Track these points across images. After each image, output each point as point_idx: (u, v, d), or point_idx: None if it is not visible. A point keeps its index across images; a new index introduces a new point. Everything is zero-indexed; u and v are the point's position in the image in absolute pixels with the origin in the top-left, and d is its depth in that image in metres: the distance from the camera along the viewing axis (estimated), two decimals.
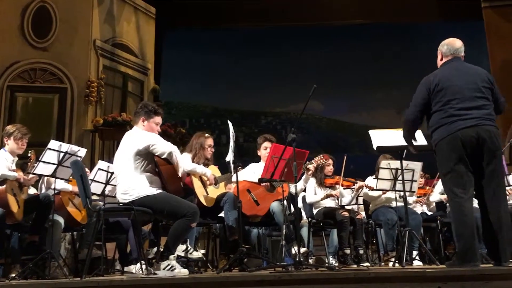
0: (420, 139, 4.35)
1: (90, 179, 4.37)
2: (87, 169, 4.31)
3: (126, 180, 3.77)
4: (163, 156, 3.80)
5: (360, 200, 6.00)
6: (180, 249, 4.07)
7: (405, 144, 4.38)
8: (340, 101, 11.61)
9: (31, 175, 4.24)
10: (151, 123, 3.97)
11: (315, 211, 5.54)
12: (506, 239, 3.37)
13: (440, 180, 5.79)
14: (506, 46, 10.12)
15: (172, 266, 3.65)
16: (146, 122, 3.96)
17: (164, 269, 3.63)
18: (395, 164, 4.90)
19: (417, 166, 5.04)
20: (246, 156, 5.54)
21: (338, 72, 11.26)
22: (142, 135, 3.86)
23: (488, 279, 2.70)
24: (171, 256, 3.71)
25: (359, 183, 5.50)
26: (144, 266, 3.70)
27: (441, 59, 3.79)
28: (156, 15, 9.31)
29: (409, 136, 3.86)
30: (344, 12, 10.62)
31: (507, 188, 4.54)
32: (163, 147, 3.80)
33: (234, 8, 10.15)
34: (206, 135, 4.89)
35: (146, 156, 3.81)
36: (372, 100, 11.32)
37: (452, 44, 3.75)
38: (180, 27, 10.70)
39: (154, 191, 3.74)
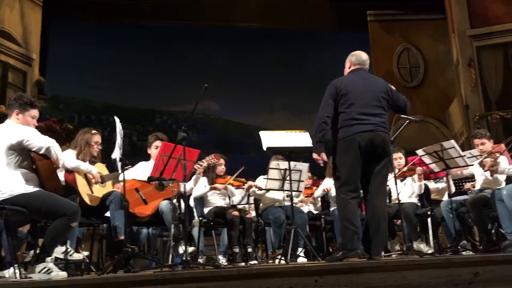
0: (306, 140, 4.57)
1: None
2: None
3: None
4: (41, 152, 3.54)
5: (251, 199, 6.13)
6: (59, 251, 3.83)
7: (293, 145, 4.60)
8: (237, 103, 11.78)
9: None
10: (26, 117, 3.67)
11: (206, 211, 5.54)
12: (381, 236, 3.78)
13: (325, 180, 6.14)
14: (389, 58, 11.01)
15: (48, 269, 3.41)
16: (20, 115, 3.66)
17: (39, 272, 3.39)
18: (284, 164, 5.07)
19: (304, 167, 5.27)
20: (140, 155, 5.37)
21: (236, 74, 11.43)
22: (16, 129, 3.56)
23: (360, 272, 2.88)
24: (48, 258, 3.47)
25: (249, 183, 5.61)
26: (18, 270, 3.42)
27: (349, 67, 4.15)
28: (43, 3, 8.70)
29: (319, 138, 3.94)
30: (244, 15, 10.80)
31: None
32: (40, 141, 3.54)
33: (130, 4, 9.85)
34: (93, 131, 4.67)
35: (21, 152, 3.52)
36: (268, 103, 11.64)
37: (360, 56, 4.14)
38: (72, 17, 10.11)
39: (30, 188, 3.48)
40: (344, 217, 3.77)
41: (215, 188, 5.51)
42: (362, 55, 4.16)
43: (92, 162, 4.55)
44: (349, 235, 3.72)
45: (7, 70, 8.02)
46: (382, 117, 3.91)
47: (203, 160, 5.14)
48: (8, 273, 3.83)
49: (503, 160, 4.90)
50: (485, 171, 4.84)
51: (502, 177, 4.94)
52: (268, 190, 5.44)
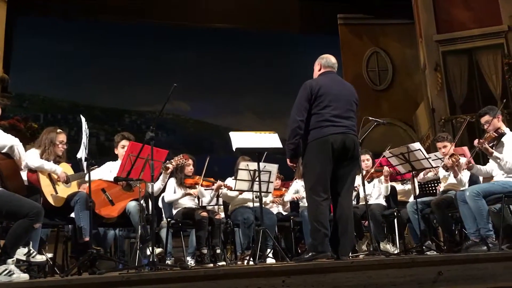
0: (275, 142, 4.58)
1: None
2: None
3: None
4: (3, 151, 3.44)
5: (221, 200, 6.10)
6: (21, 253, 3.71)
7: (263, 146, 4.60)
8: (206, 103, 11.72)
9: None
10: None
11: (174, 212, 5.48)
12: (349, 237, 3.84)
13: (294, 182, 6.17)
14: (357, 61, 11.18)
15: (9, 271, 3.30)
16: None
17: (0, 274, 3.28)
18: (253, 165, 5.07)
19: (273, 168, 5.27)
20: (108, 155, 5.28)
21: (206, 74, 11.37)
22: None
23: (326, 272, 2.91)
24: (9, 260, 3.36)
25: (218, 183, 5.58)
26: None
27: (319, 70, 4.18)
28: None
29: (294, 145, 3.90)
30: (214, 16, 10.79)
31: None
32: (2, 140, 3.44)
33: (97, 1, 9.69)
34: (58, 130, 4.55)
35: None
36: (238, 104, 11.62)
37: (330, 59, 4.18)
38: (37, 13, 9.86)
39: None
40: (315, 219, 3.77)
41: (189, 194, 5.46)
42: (331, 58, 4.19)
43: (57, 162, 4.44)
44: (319, 237, 3.72)
45: None
46: (352, 120, 3.96)
47: (172, 160, 5.09)
48: None
49: (464, 162, 5.03)
50: (447, 171, 4.96)
51: (465, 179, 5.07)
52: (239, 191, 5.42)
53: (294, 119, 3.88)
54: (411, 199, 5.59)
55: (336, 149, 3.79)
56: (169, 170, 5.01)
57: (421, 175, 5.45)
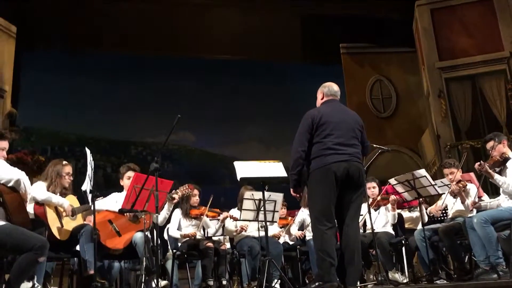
0: (280, 171, 4.57)
1: None
2: None
3: None
4: (10, 184, 3.46)
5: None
6: (25, 287, 3.69)
7: (267, 175, 4.59)
8: (212, 134, 11.76)
9: None
10: None
11: (179, 243, 5.45)
12: (356, 266, 3.75)
13: (300, 211, 6.13)
14: (361, 89, 11.27)
15: None
16: None
17: None
18: (258, 195, 5.05)
19: (278, 197, 5.25)
20: (114, 187, 5.30)
21: (211, 105, 11.46)
22: None
23: None
24: None
25: (224, 214, 5.56)
26: None
27: (322, 98, 4.18)
28: (16, 35, 8.67)
29: (296, 175, 3.90)
30: (217, 47, 10.98)
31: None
32: (9, 174, 3.46)
33: (99, 34, 9.92)
34: (64, 162, 4.59)
35: None
36: (242, 133, 11.66)
37: (332, 87, 4.18)
38: (42, 48, 10.07)
39: None
40: (320, 248, 3.72)
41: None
42: (334, 86, 4.20)
43: (63, 194, 4.46)
44: (325, 267, 3.66)
45: None
46: (356, 147, 3.94)
47: (177, 190, 5.10)
48: None
49: (472, 188, 5.00)
50: (455, 197, 4.92)
51: None
52: (240, 227, 5.41)
53: (296, 149, 3.89)
54: (419, 226, 5.52)
55: (340, 177, 3.76)
56: (175, 200, 5.01)
57: (432, 209, 5.38)
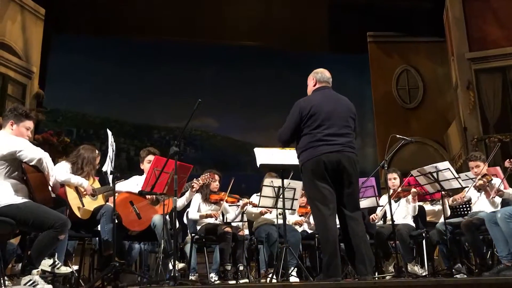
0: (293, 158, 4.51)
1: None
2: None
3: None
4: (32, 163, 3.53)
5: (245, 217, 6.07)
6: (46, 264, 3.78)
7: (287, 163, 4.56)
8: (234, 120, 11.76)
9: None
10: (20, 128, 3.67)
11: (198, 227, 5.49)
12: (366, 256, 3.62)
13: None
14: (387, 78, 11.06)
15: (34, 282, 3.37)
16: (15, 126, 3.66)
17: (25, 284, 3.35)
18: (278, 182, 5.03)
19: (298, 185, 5.21)
20: (137, 170, 5.37)
21: (235, 91, 11.45)
22: (9, 140, 3.56)
23: None
24: (34, 271, 3.43)
25: (244, 200, 5.56)
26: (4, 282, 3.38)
27: (314, 85, 4.06)
28: (45, 17, 8.80)
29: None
30: (242, 34, 10.92)
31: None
32: (32, 153, 3.53)
33: (128, 18, 9.97)
34: (97, 152, 4.70)
35: (12, 162, 3.51)
36: (266, 121, 11.60)
37: (325, 73, 4.06)
38: (69, 31, 10.19)
39: (19, 200, 3.45)
40: (323, 239, 3.64)
41: (210, 216, 5.47)
42: (326, 73, 4.06)
43: (85, 176, 4.53)
44: (328, 260, 3.56)
45: (7, 82, 8.06)
46: (349, 137, 3.81)
47: (199, 179, 5.14)
48: None
49: (497, 183, 4.87)
50: (479, 191, 4.81)
51: (498, 200, 4.90)
52: (262, 209, 5.40)
53: (279, 138, 3.99)
54: (441, 220, 5.43)
55: (330, 168, 3.67)
56: (195, 188, 5.05)
57: (455, 199, 5.26)
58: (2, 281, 3.32)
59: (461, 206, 5.70)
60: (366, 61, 11.10)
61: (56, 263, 3.86)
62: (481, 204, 5.07)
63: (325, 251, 3.61)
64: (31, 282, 3.36)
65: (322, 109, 3.79)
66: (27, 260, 3.47)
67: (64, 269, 3.93)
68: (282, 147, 3.99)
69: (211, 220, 5.48)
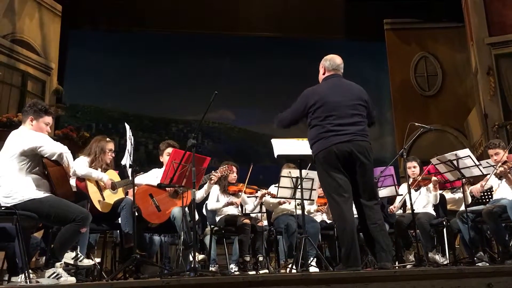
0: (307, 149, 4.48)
1: None
2: None
3: (9, 182, 3.50)
4: (53, 158, 3.59)
5: (264, 208, 6.09)
6: (68, 257, 3.85)
7: (305, 153, 4.52)
8: (252, 111, 11.75)
9: None
10: (40, 123, 3.73)
11: (217, 219, 5.53)
12: (383, 245, 3.59)
13: None
14: (404, 66, 10.91)
15: (58, 274, 3.45)
16: (34, 122, 3.72)
17: (48, 277, 3.42)
18: (296, 172, 5.02)
19: (316, 175, 5.15)
20: (155, 163, 5.43)
21: (251, 82, 11.42)
22: (29, 135, 3.62)
23: (368, 281, 2.83)
24: (58, 264, 3.51)
25: (262, 191, 5.58)
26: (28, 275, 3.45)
27: (324, 73, 3.99)
28: (62, 13, 8.90)
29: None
30: (257, 24, 10.87)
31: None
32: (52, 148, 3.59)
33: (145, 12, 10.03)
34: (107, 139, 4.73)
35: (33, 158, 3.57)
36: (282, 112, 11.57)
37: (334, 60, 3.96)
38: (86, 26, 10.30)
39: (41, 194, 3.52)
40: (340, 229, 3.64)
41: (232, 204, 5.50)
42: (336, 59, 3.97)
43: (104, 170, 4.59)
44: (347, 250, 3.54)
45: (27, 79, 8.19)
46: (360, 124, 3.75)
47: (217, 171, 5.17)
48: (21, 278, 3.87)
49: None
50: (500, 179, 4.73)
51: None
52: (281, 199, 5.41)
53: (278, 121, 4.06)
54: (462, 207, 5.36)
55: (342, 158, 3.63)
56: (213, 180, 5.08)
57: (475, 190, 5.16)
58: (26, 274, 3.38)
59: (482, 194, 5.62)
60: (384, 49, 10.96)
61: (79, 256, 3.93)
62: (502, 191, 4.99)
63: (343, 242, 3.60)
64: (54, 274, 3.43)
65: (329, 99, 3.74)
66: (50, 253, 3.54)
67: (87, 262, 4.00)
68: (297, 138, 3.96)
69: (230, 211, 5.51)
